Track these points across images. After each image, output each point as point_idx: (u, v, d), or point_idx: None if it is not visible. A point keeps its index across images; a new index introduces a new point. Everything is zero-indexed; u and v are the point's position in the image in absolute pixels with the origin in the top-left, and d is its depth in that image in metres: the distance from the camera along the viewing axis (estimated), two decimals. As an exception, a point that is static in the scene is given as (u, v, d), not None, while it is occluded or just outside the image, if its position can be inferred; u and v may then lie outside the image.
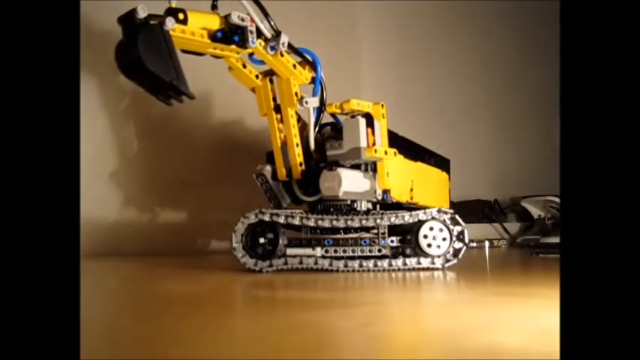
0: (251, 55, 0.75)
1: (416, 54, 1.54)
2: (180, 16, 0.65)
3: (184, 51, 0.71)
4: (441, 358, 0.32)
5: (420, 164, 0.87)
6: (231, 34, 0.68)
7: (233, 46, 0.70)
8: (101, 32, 1.04)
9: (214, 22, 0.68)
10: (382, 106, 0.77)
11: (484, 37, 1.62)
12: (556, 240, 1.11)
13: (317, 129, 0.80)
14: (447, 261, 0.78)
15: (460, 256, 0.78)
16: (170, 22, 0.63)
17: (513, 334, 0.37)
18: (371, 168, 0.78)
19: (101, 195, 1.12)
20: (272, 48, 0.72)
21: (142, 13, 0.61)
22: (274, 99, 0.81)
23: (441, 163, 0.95)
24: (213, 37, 0.68)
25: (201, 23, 0.67)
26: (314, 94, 0.79)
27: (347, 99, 0.76)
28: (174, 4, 0.66)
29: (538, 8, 1.61)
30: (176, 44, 0.67)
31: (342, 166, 0.76)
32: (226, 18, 0.68)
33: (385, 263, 0.77)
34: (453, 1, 1.56)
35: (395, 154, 0.77)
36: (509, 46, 1.65)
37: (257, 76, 0.80)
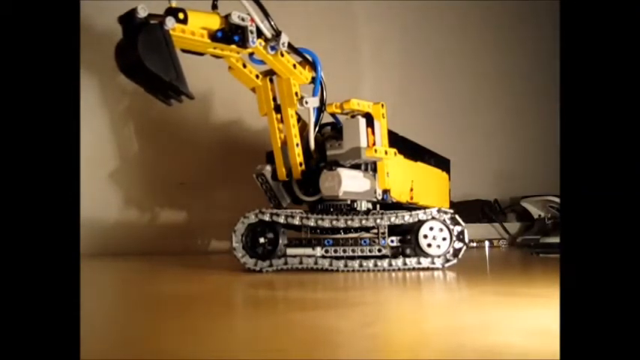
0: (251, 54, 0.75)
1: (416, 54, 1.53)
2: (181, 15, 0.65)
3: (184, 51, 0.71)
4: (441, 358, 0.32)
5: (420, 164, 0.87)
6: (231, 34, 0.68)
7: (233, 46, 0.70)
8: (101, 32, 1.04)
9: (214, 22, 0.68)
10: (382, 106, 0.77)
11: (484, 37, 1.62)
12: (556, 240, 1.11)
13: (317, 129, 0.80)
14: (447, 261, 0.78)
15: (460, 256, 0.78)
16: (170, 22, 0.63)
17: (513, 334, 0.37)
18: (371, 168, 0.78)
19: (101, 195, 1.12)
20: (272, 48, 0.72)
21: (142, 13, 0.61)
22: (274, 99, 0.81)
23: (441, 163, 0.95)
24: (214, 36, 0.68)
25: (201, 23, 0.67)
26: (314, 94, 0.79)
27: (347, 99, 0.76)
28: (174, 4, 0.66)
29: (539, 8, 1.61)
30: (176, 44, 0.67)
31: (342, 166, 0.76)
32: (226, 18, 0.68)
33: (385, 263, 0.77)
34: (453, 0, 1.56)
35: (395, 154, 0.77)
36: (510, 46, 1.65)
37: (257, 76, 0.80)
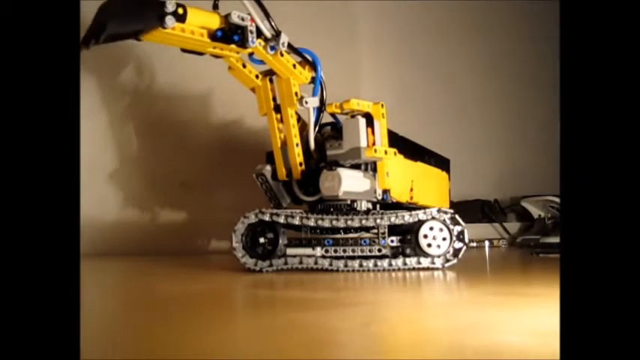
0: (251, 54, 0.74)
1: (416, 54, 1.53)
2: (180, 10, 0.64)
3: (185, 50, 0.71)
4: (441, 357, 0.32)
5: (420, 164, 0.87)
6: (231, 34, 0.68)
7: (233, 46, 0.70)
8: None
9: (214, 21, 0.68)
10: (382, 105, 0.77)
11: (484, 37, 1.62)
12: (556, 240, 1.11)
13: (317, 129, 0.80)
14: (447, 261, 0.78)
15: (460, 255, 0.78)
16: (170, 21, 0.62)
17: (513, 334, 0.37)
18: (371, 168, 0.78)
19: (101, 195, 1.12)
20: (272, 48, 0.72)
21: (170, 8, 0.62)
22: (274, 99, 0.81)
23: (441, 163, 0.95)
24: (213, 36, 0.68)
25: (201, 21, 0.67)
26: (314, 94, 0.79)
27: (347, 99, 0.76)
28: None
29: (538, 8, 1.61)
30: (176, 43, 0.67)
31: (342, 165, 0.76)
32: (226, 17, 0.68)
33: (385, 263, 0.77)
34: (452, 0, 1.56)
35: (395, 153, 0.77)
36: (509, 46, 1.65)
37: (257, 76, 0.80)
